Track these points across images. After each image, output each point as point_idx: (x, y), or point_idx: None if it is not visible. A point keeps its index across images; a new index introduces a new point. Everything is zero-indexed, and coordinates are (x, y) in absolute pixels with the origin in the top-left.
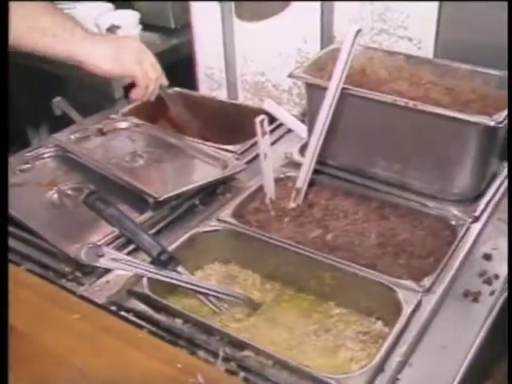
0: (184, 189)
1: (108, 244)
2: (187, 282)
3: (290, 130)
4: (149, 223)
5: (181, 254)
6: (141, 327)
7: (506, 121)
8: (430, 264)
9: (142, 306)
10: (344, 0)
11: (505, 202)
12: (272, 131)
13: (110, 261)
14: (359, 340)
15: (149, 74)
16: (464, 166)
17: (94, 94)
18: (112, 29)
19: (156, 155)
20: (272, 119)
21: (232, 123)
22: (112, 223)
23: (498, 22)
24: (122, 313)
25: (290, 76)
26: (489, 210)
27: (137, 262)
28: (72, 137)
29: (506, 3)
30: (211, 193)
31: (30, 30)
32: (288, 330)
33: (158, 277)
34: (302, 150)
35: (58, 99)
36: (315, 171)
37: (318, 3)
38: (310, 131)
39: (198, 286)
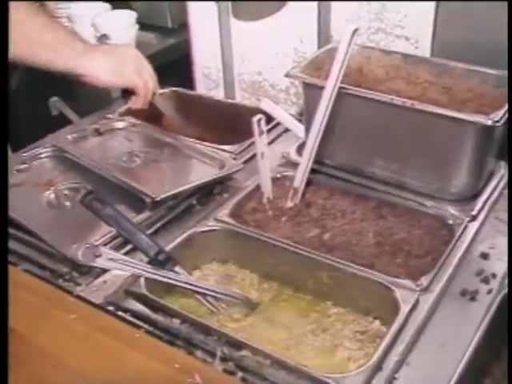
0: (181, 189)
1: (105, 244)
2: (185, 282)
3: (287, 130)
4: (146, 223)
5: (178, 253)
6: (138, 327)
7: (503, 120)
8: (428, 263)
9: (139, 306)
10: (341, 0)
11: (502, 200)
12: (269, 131)
13: (108, 261)
14: (357, 339)
15: (148, 84)
16: (461, 165)
17: (91, 93)
18: (102, 39)
19: (153, 155)
20: (269, 119)
21: (229, 123)
22: (109, 223)
23: (495, 21)
24: (120, 313)
25: (287, 75)
26: (486, 208)
27: (134, 262)
28: (69, 137)
29: (502, 2)
30: (208, 193)
31: (32, 46)
32: (286, 329)
33: (155, 277)
34: (300, 149)
35: (54, 99)
36: (312, 171)
37: (315, 3)
38: (308, 131)
39: (195, 285)
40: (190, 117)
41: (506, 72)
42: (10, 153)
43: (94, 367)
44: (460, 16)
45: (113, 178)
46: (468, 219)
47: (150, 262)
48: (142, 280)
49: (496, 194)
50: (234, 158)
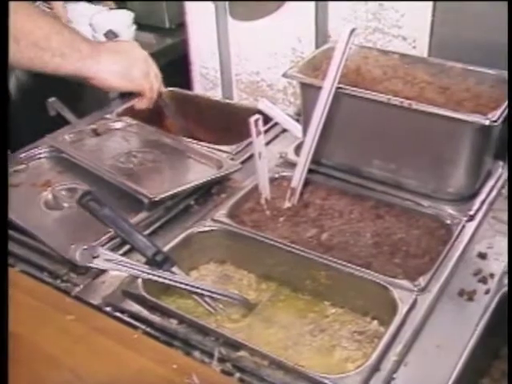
0: (179, 189)
1: (103, 245)
2: (182, 283)
3: (284, 130)
4: (144, 224)
5: (176, 254)
6: (136, 328)
7: (501, 120)
8: (426, 263)
9: (136, 307)
10: (338, 0)
11: (500, 200)
12: (267, 131)
13: (105, 262)
14: (355, 340)
15: (154, 85)
16: (459, 165)
17: (89, 94)
18: (109, 35)
19: (151, 155)
20: (267, 119)
21: (227, 123)
22: (107, 224)
23: (492, 20)
24: (117, 313)
25: (284, 76)
26: (484, 208)
27: (132, 263)
28: (67, 137)
29: (500, 2)
30: (206, 193)
31: (40, 52)
32: (283, 329)
33: (153, 277)
34: (297, 149)
35: (52, 100)
36: (310, 171)
37: (313, 3)
38: (305, 131)
39: (193, 286)
40: (188, 117)
41: (503, 72)
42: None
43: (91, 368)
44: (457, 16)
45: (110, 178)
46: (466, 219)
47: (147, 263)
48: (139, 281)
49: (494, 193)
50: (232, 159)
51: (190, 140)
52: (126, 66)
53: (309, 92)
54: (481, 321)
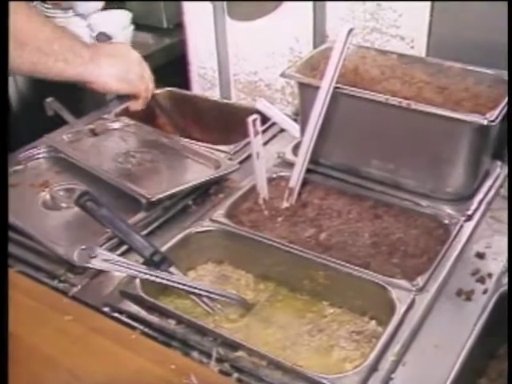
0: (177, 189)
1: (100, 245)
2: (180, 283)
3: (282, 130)
4: (142, 224)
5: (174, 254)
6: (134, 328)
7: (499, 119)
8: (424, 263)
9: (134, 307)
10: (336, 0)
11: (498, 200)
12: (265, 131)
13: (103, 262)
14: (353, 340)
15: (149, 87)
16: (457, 165)
17: (87, 94)
18: (101, 37)
19: (149, 156)
20: (265, 119)
21: (225, 123)
22: (104, 224)
23: (490, 20)
24: (115, 314)
25: (282, 75)
26: (482, 208)
27: (129, 263)
28: (65, 137)
29: (498, 2)
30: (204, 193)
31: (45, 57)
32: (282, 330)
33: (150, 278)
34: (295, 149)
35: (50, 100)
36: (308, 170)
37: (311, 2)
38: (303, 130)
39: (191, 286)
40: (186, 117)
41: (501, 72)
42: None
43: (89, 368)
44: (455, 15)
45: (108, 178)
46: (464, 219)
47: (145, 263)
48: (137, 281)
49: (492, 193)
50: (230, 159)
51: (187, 140)
52: (123, 69)
53: (307, 92)
54: (479, 320)
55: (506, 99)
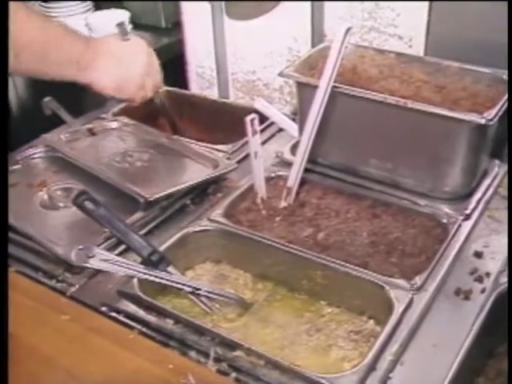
0: (175, 189)
1: (98, 245)
2: (178, 282)
3: (281, 129)
4: (140, 223)
5: (172, 254)
6: (131, 328)
7: (497, 118)
8: (422, 262)
9: (132, 307)
10: (334, 0)
11: (496, 199)
12: (263, 130)
13: (101, 261)
14: (351, 339)
15: (147, 95)
16: (455, 164)
17: (85, 94)
18: (121, 28)
19: (147, 155)
20: (263, 118)
21: (223, 122)
22: (102, 224)
23: (488, 20)
24: (113, 314)
25: (280, 75)
26: (480, 207)
27: (127, 263)
28: (62, 137)
29: (496, 2)
30: (202, 192)
31: (41, 65)
32: (280, 329)
33: (148, 277)
34: (293, 148)
35: (48, 99)
36: (306, 170)
37: (309, 2)
38: (301, 130)
39: (189, 286)
40: (184, 116)
41: (499, 71)
42: None
43: (87, 368)
44: (453, 15)
45: (106, 178)
46: (462, 218)
47: (143, 263)
48: (135, 280)
49: (490, 192)
50: (228, 158)
51: (185, 139)
52: (123, 77)
53: (305, 91)
54: (477, 320)
55: (505, 98)
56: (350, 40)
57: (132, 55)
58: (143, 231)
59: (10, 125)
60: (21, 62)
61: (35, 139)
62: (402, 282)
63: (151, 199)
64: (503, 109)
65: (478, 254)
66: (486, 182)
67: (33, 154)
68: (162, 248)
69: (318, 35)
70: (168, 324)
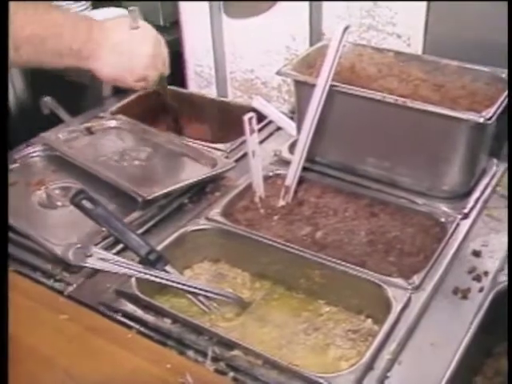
0: (172, 188)
1: (96, 244)
2: (176, 282)
3: (279, 128)
4: (137, 222)
5: (169, 253)
6: (129, 327)
7: (495, 117)
8: (420, 261)
9: (130, 306)
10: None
11: (494, 198)
12: (261, 129)
13: (98, 261)
14: (349, 338)
15: (149, 85)
16: (453, 163)
17: (83, 92)
18: (133, 14)
19: (145, 154)
20: (261, 117)
21: (221, 121)
22: (100, 223)
23: (487, 18)
24: (111, 313)
25: (278, 73)
26: (478, 206)
27: (125, 262)
28: (60, 136)
29: (495, 2)
30: (200, 191)
31: (41, 56)
32: (278, 328)
33: (146, 276)
34: (292, 147)
35: (46, 98)
36: (304, 169)
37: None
38: (299, 128)
39: (187, 285)
40: (183, 115)
41: (498, 69)
42: None
43: (84, 368)
44: (452, 13)
45: (104, 177)
46: (460, 217)
47: (141, 262)
48: (133, 280)
49: (488, 191)
50: (226, 157)
51: (184, 138)
52: (124, 69)
53: (303, 90)
54: (475, 319)
55: (503, 97)
56: (348, 38)
57: (137, 46)
58: (141, 230)
59: (8, 124)
60: (21, 55)
61: (33, 138)
62: (399, 280)
63: (149, 198)
64: (502, 107)
65: (477, 253)
66: (485, 180)
67: (31, 153)
68: (160, 247)
69: (316, 34)
70: (166, 323)
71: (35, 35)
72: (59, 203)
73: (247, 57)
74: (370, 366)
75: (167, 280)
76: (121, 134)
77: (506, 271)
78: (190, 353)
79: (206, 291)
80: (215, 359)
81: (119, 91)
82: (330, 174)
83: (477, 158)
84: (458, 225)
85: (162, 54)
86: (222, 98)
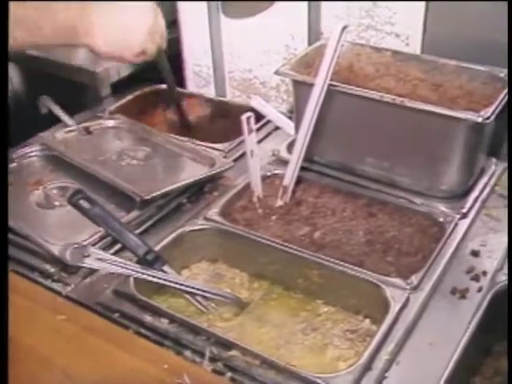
0: (171, 187)
1: (94, 244)
2: (174, 282)
3: (277, 127)
4: (135, 222)
5: (167, 253)
6: (127, 327)
7: (493, 117)
8: (418, 261)
9: (128, 307)
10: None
11: (493, 198)
12: (259, 128)
13: (96, 261)
14: (347, 338)
15: (147, 58)
16: (452, 163)
17: (81, 92)
18: None
19: (143, 154)
20: (260, 116)
21: (220, 121)
22: (97, 223)
23: (485, 18)
24: (108, 313)
25: (276, 73)
26: (476, 206)
27: (123, 262)
28: (58, 136)
29: (494, 2)
30: (198, 191)
31: (35, 39)
32: (276, 328)
33: (144, 276)
34: (290, 147)
35: (44, 97)
36: (303, 168)
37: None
38: (298, 128)
39: (184, 285)
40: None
41: (495, 69)
42: None
43: (82, 368)
44: (450, 13)
45: (102, 176)
46: (458, 217)
47: (138, 262)
48: (130, 280)
49: (487, 191)
50: (225, 156)
51: (182, 138)
52: (121, 45)
53: (301, 89)
54: (473, 318)
55: (502, 97)
56: (346, 38)
57: (134, 21)
58: (139, 230)
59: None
60: (15, 38)
61: (31, 138)
62: (398, 280)
63: (147, 198)
64: (500, 107)
65: (475, 253)
66: (483, 180)
67: (29, 153)
68: (157, 247)
69: (314, 33)
70: (163, 323)
71: (28, 17)
72: (57, 203)
73: (245, 56)
74: (368, 367)
75: (165, 280)
76: (119, 134)
77: (505, 271)
78: (188, 353)
79: (204, 291)
80: (213, 359)
81: (118, 91)
82: (328, 174)
83: (475, 158)
84: (456, 224)
85: (159, 26)
86: (221, 98)
